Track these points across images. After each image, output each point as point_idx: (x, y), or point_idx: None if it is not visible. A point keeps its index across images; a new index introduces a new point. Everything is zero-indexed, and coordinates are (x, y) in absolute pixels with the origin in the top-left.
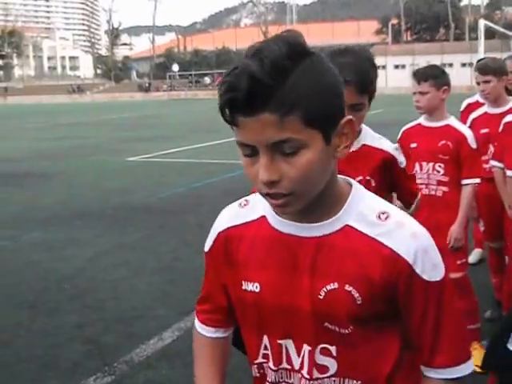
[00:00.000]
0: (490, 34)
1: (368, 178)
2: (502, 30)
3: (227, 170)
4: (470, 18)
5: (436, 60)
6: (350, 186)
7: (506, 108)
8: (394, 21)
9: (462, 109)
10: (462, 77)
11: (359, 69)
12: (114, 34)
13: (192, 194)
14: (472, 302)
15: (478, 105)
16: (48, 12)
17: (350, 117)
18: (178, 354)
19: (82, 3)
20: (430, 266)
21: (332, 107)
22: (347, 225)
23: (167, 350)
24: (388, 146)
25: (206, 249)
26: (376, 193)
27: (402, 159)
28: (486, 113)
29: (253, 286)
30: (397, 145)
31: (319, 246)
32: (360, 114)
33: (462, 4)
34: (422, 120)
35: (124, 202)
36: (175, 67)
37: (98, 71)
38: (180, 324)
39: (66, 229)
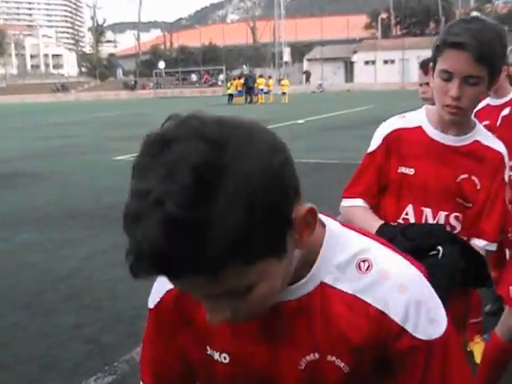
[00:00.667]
0: None
1: (473, 178)
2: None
3: None
4: (460, 12)
5: (426, 54)
6: (324, 227)
7: (507, 99)
8: (384, 15)
9: None
10: None
11: (480, 34)
12: (99, 31)
13: None
14: (475, 296)
15: None
16: (30, 9)
17: (310, 206)
18: None
19: None
20: (426, 322)
21: (279, 223)
22: (322, 282)
23: None
24: (501, 146)
25: (151, 305)
26: (478, 197)
27: (507, 171)
28: (488, 104)
29: (220, 357)
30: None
31: (295, 310)
32: (474, 91)
33: None
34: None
35: (117, 201)
36: (161, 64)
37: (83, 69)
38: None
39: (59, 229)
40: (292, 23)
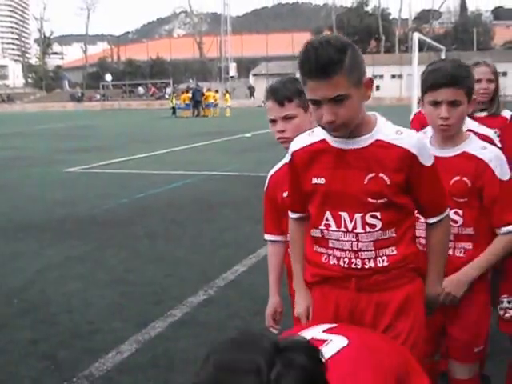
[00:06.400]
0: (418, 46)
1: (381, 175)
2: (434, 43)
3: (170, 181)
4: (399, 31)
5: (367, 72)
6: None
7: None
8: (327, 33)
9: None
10: (391, 88)
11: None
12: (46, 43)
13: (137, 205)
14: None
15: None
16: None
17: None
18: (138, 367)
19: (11, 11)
20: (427, 155)
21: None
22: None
23: (127, 364)
24: (409, 142)
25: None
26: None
27: (427, 156)
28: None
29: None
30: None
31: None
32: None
33: (391, 17)
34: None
35: (68, 213)
36: (108, 77)
37: (29, 80)
38: (137, 337)
39: (10, 242)
40: (238, 39)
